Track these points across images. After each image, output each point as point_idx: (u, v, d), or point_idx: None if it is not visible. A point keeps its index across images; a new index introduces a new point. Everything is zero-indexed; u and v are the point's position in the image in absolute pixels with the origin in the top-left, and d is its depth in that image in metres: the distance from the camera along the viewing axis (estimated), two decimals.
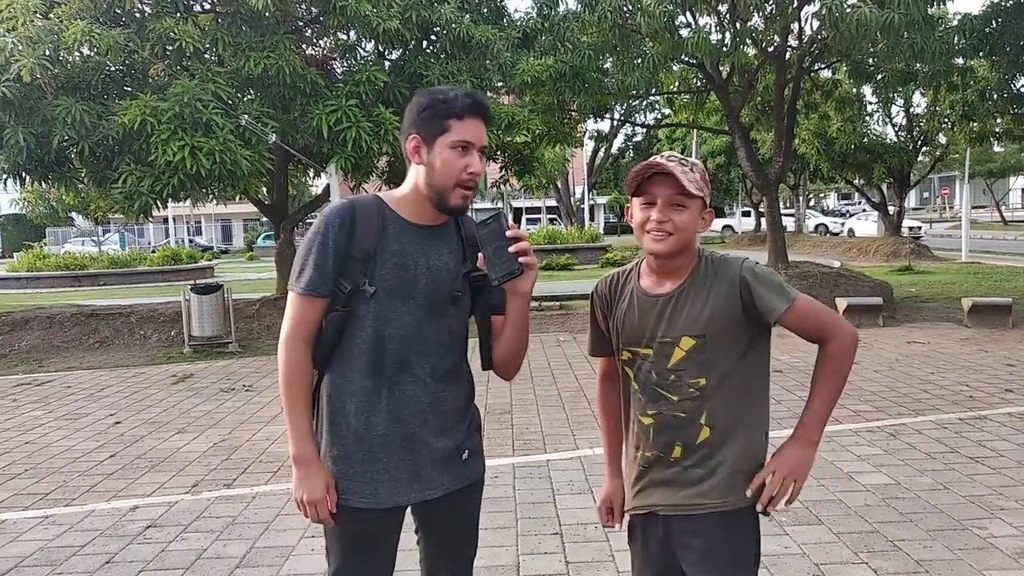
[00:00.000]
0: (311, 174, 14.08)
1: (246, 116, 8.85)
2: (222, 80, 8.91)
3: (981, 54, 12.48)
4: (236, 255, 39.79)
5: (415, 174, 1.83)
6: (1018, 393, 6.35)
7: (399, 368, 1.82)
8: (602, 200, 46.17)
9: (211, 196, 10.57)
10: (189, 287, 9.54)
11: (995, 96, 13.79)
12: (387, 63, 10.89)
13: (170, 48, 9.17)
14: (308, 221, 44.82)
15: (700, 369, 1.81)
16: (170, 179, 8.46)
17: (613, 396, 2.05)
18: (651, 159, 1.79)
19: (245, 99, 9.95)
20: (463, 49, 10.12)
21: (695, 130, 15.53)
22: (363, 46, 11.15)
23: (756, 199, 36.90)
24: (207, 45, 9.13)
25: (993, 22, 11.84)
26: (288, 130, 9.41)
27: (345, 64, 10.99)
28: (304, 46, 10.65)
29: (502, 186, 14.35)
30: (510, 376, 2.01)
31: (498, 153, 12.35)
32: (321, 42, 11.35)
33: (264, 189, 12.78)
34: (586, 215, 36.16)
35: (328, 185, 10.29)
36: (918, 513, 3.94)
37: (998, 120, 14.55)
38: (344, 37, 10.89)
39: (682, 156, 1.82)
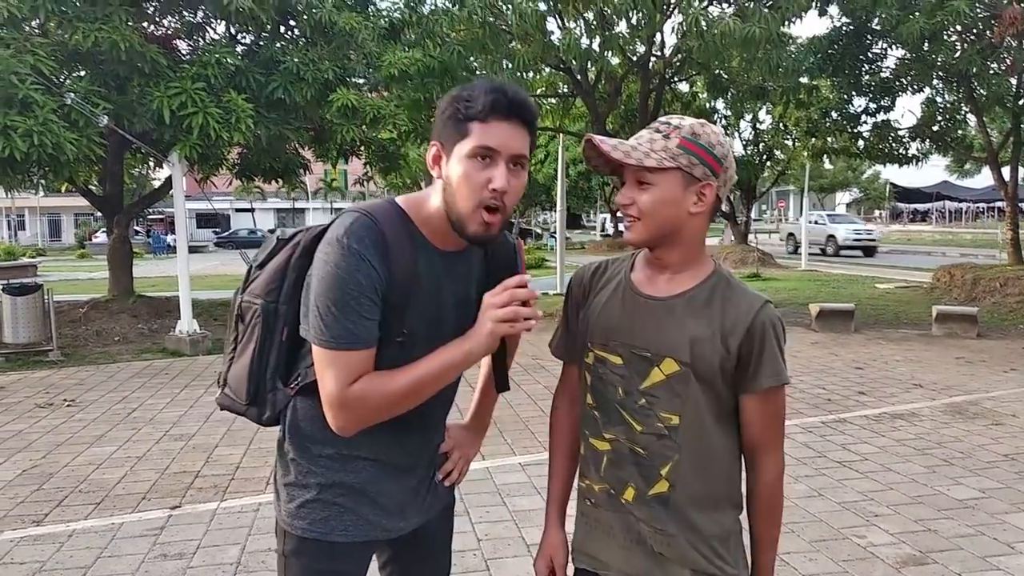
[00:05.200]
0: (151, 164, 12.83)
1: (72, 94, 7.83)
2: (44, 52, 7.85)
3: (824, 74, 13.31)
4: (65, 252, 36.29)
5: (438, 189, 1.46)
6: (870, 396, 6.63)
7: (412, 416, 1.51)
8: None
9: (30, 184, 9.32)
10: (1, 287, 8.32)
11: (834, 114, 14.77)
12: (240, 47, 10.09)
13: None
14: (151, 216, 41.75)
15: (676, 403, 1.43)
16: None
17: (571, 416, 1.64)
18: (589, 135, 1.43)
19: (72, 75, 8.86)
20: (324, 36, 9.52)
21: (560, 135, 15.60)
22: (213, 27, 10.27)
23: (615, 206, 38.14)
24: (27, 12, 8.01)
25: (836, 44, 12.65)
26: (124, 113, 8.43)
27: (192, 44, 10.05)
28: (145, 23, 9.64)
29: (365, 184, 13.76)
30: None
31: (362, 149, 11.78)
32: (165, 20, 10.34)
33: (96, 179, 11.51)
34: None
35: (170, 176, 9.33)
36: (799, 523, 3.88)
37: (836, 137, 15.60)
38: (191, 17, 9.98)
39: (673, 117, 1.44)
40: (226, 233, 43.13)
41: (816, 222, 28.16)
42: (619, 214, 1.41)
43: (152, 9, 10.03)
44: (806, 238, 22.49)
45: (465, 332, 1.45)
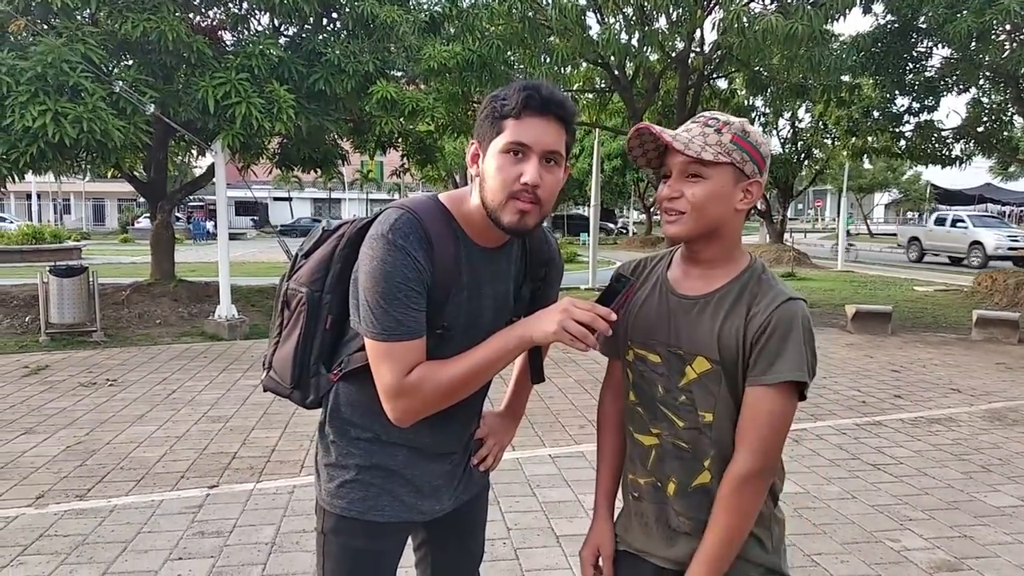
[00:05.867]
0: (194, 152, 13.08)
1: (120, 82, 8.01)
2: (94, 42, 8.05)
3: (867, 73, 13.06)
4: (108, 237, 37.13)
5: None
6: (907, 399, 6.54)
7: (456, 406, 1.54)
8: None
9: (78, 169, 9.56)
10: (48, 268, 8.56)
11: (876, 114, 14.49)
12: (283, 39, 10.22)
13: (35, 3, 8.21)
14: (191, 203, 42.47)
15: (710, 400, 1.43)
16: (28, 147, 7.57)
17: (617, 410, 1.66)
18: (643, 123, 1.44)
19: (121, 64, 9.06)
20: (366, 29, 9.60)
21: (596, 130, 15.56)
22: (257, 19, 10.43)
23: (648, 203, 37.89)
24: (79, 2, 8.21)
25: (879, 43, 12.40)
26: (169, 102, 8.60)
27: (236, 35, 10.21)
28: (191, 14, 9.81)
29: (401, 176, 13.88)
30: None
31: (400, 141, 11.88)
32: (211, 12, 10.52)
33: (141, 165, 11.76)
34: None
35: (212, 164, 9.50)
36: (830, 524, 3.86)
37: (877, 137, 15.31)
38: (236, 8, 10.14)
39: (718, 113, 1.45)
40: (290, 222, 44.17)
41: (954, 225, 22.88)
42: (655, 208, 1.38)
43: (199, 1, 10.21)
44: (843, 238, 22.00)
45: (500, 327, 1.48)
